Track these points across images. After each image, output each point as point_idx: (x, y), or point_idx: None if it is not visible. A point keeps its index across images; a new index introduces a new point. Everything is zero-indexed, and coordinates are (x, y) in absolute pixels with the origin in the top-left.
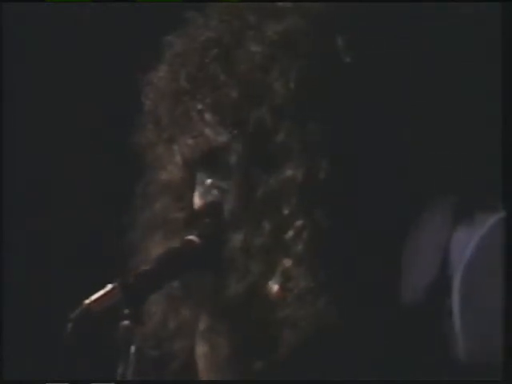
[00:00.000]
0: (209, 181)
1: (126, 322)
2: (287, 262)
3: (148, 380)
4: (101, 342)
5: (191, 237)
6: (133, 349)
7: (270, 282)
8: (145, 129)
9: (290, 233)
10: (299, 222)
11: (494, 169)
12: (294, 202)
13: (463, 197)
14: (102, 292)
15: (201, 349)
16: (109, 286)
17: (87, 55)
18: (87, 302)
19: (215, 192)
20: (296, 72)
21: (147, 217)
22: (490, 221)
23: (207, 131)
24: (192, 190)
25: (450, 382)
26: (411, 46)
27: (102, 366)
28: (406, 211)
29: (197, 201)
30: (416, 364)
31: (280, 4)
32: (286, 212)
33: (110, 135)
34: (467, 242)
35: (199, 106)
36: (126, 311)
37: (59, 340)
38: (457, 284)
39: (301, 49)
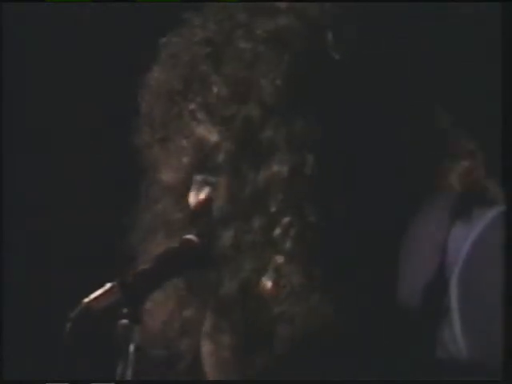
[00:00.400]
0: (200, 177)
1: (124, 321)
2: (279, 259)
3: (148, 380)
4: (100, 342)
5: (189, 236)
6: (132, 348)
7: (264, 279)
8: (141, 130)
9: (278, 230)
10: (286, 219)
11: (494, 167)
12: (281, 199)
13: (460, 193)
14: (101, 291)
15: (206, 347)
16: (108, 285)
17: (87, 55)
18: (86, 300)
19: (207, 189)
20: (284, 69)
21: (148, 218)
22: (487, 216)
23: (199, 131)
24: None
25: (450, 382)
26: (411, 45)
27: (101, 366)
28: (401, 207)
29: (191, 199)
30: (416, 364)
31: (273, 3)
32: (273, 209)
33: (110, 135)
34: (465, 238)
35: (191, 106)
36: (125, 310)
37: (59, 340)
38: (454, 280)
39: (290, 46)
